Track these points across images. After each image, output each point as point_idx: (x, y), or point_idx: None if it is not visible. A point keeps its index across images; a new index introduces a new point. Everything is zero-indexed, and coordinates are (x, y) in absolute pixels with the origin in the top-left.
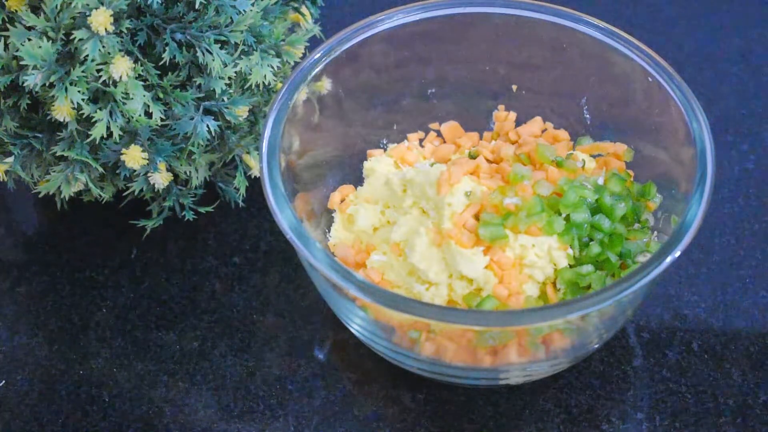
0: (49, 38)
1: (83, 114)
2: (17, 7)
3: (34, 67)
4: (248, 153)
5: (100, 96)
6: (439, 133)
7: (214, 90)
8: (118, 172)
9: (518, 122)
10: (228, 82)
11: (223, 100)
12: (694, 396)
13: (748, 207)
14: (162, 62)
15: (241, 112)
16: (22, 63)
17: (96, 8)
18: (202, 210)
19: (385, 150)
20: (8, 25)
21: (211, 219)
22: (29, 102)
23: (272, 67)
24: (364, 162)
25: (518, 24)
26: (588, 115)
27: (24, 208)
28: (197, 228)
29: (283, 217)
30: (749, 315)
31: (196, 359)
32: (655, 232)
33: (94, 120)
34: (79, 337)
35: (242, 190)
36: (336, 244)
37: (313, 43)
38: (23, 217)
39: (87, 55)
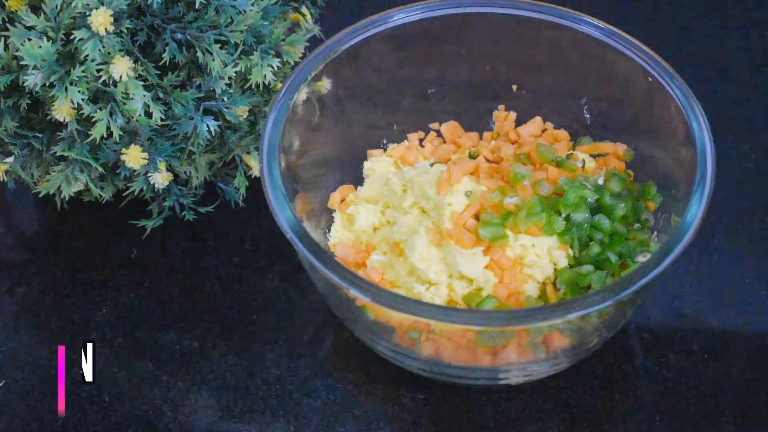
0: (49, 38)
1: (83, 114)
2: (17, 7)
3: (34, 67)
4: (248, 153)
5: (100, 96)
6: (439, 133)
7: (214, 90)
8: (118, 172)
9: (518, 122)
10: (228, 82)
11: (223, 100)
12: (694, 396)
13: (748, 207)
14: (162, 62)
15: (241, 112)
16: (22, 63)
17: (96, 8)
18: (202, 210)
19: (385, 150)
20: (8, 25)
21: (211, 219)
22: (29, 102)
23: (272, 67)
24: (364, 162)
25: (518, 24)
26: (588, 115)
27: (24, 208)
28: (197, 228)
29: (283, 217)
30: (749, 315)
31: (196, 359)
32: (655, 232)
33: (94, 120)
34: (79, 337)
35: (242, 190)
36: (336, 244)
37: (313, 43)
38: (23, 217)
39: (87, 55)
